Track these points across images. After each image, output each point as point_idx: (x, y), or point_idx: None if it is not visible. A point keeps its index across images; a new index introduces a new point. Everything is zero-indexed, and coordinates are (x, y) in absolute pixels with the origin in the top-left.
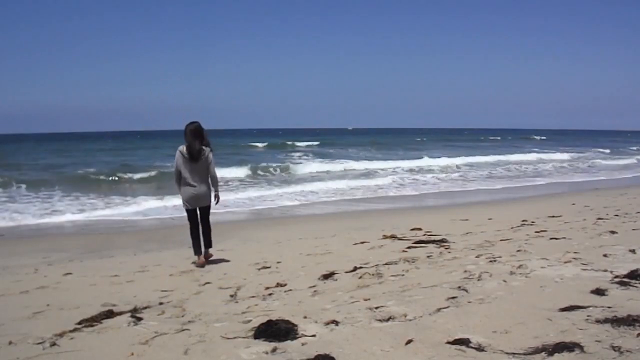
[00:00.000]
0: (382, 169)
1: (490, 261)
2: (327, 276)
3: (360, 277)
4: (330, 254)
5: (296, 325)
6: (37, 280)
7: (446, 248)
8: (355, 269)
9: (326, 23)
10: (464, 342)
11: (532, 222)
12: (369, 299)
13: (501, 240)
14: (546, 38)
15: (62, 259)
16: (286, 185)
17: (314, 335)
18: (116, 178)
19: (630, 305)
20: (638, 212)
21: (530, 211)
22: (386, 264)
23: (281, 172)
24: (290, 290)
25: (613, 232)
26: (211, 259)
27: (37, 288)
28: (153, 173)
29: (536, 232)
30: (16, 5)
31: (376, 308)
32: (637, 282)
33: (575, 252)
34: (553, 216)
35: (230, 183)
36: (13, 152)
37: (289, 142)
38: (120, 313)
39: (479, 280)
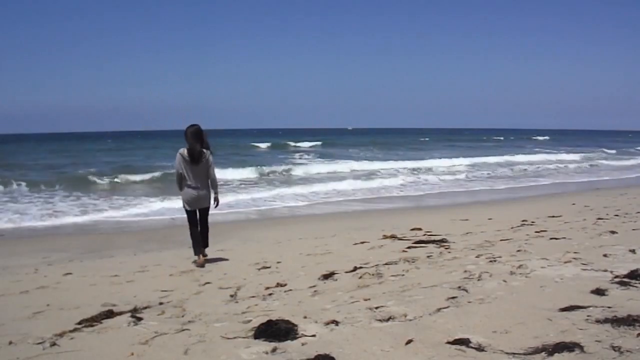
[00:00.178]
0: (389, 170)
1: (490, 261)
2: (327, 276)
3: (360, 277)
4: (330, 254)
5: (296, 325)
6: (37, 280)
7: (446, 248)
8: (355, 269)
9: (326, 23)
10: (464, 342)
11: (532, 222)
12: (369, 299)
13: (501, 240)
14: (545, 38)
15: (62, 259)
16: (293, 186)
17: (314, 335)
18: (117, 179)
19: (630, 305)
20: (638, 212)
21: (530, 211)
22: (386, 264)
23: (286, 173)
24: (290, 290)
25: (613, 232)
26: (209, 258)
27: (37, 288)
28: (154, 174)
29: (536, 232)
30: (16, 5)
31: (376, 308)
32: (637, 282)
33: (575, 252)
34: (553, 216)
35: (235, 184)
36: (13, 152)
37: (291, 143)
38: (120, 313)
39: (479, 280)
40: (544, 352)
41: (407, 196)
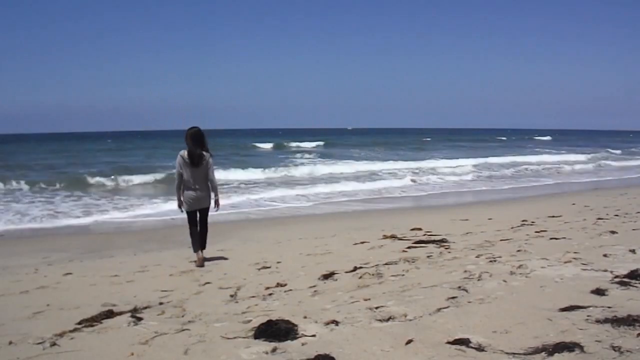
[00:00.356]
0: (393, 170)
1: (490, 261)
2: (327, 276)
3: (360, 277)
4: (330, 254)
5: (296, 325)
6: (37, 280)
7: (446, 248)
8: (355, 269)
9: (326, 23)
10: (464, 342)
11: (532, 222)
12: (369, 299)
13: (501, 240)
14: (545, 38)
15: (62, 259)
16: (295, 186)
17: (314, 335)
18: (118, 179)
19: (630, 305)
20: (638, 212)
21: (530, 211)
22: (386, 264)
23: (288, 173)
24: (290, 290)
25: (613, 232)
26: (209, 257)
27: (37, 288)
28: (156, 174)
29: (536, 232)
30: (16, 5)
31: (376, 308)
32: (637, 282)
33: (575, 252)
34: (553, 216)
35: (237, 184)
36: (14, 152)
37: (293, 143)
38: (120, 313)
39: (479, 280)
40: (544, 352)
41: (407, 196)
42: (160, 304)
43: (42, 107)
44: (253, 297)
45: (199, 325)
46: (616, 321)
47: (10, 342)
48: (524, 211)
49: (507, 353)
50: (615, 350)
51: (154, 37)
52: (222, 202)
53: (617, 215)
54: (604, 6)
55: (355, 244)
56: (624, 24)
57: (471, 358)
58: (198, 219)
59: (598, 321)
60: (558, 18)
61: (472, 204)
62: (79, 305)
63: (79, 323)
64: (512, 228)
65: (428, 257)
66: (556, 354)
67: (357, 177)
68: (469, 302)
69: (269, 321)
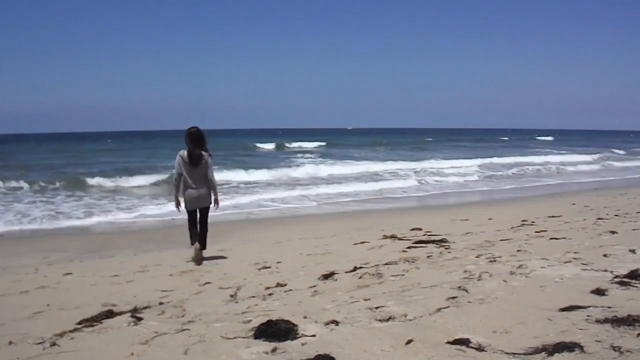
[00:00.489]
0: (397, 171)
1: (490, 261)
2: (327, 276)
3: (360, 277)
4: (330, 254)
5: (296, 325)
6: (37, 280)
7: (446, 248)
8: (355, 269)
9: (326, 23)
10: (464, 342)
11: (532, 222)
12: (369, 299)
13: (501, 240)
14: (545, 38)
15: (62, 259)
16: (298, 187)
17: (314, 335)
18: (119, 179)
19: (630, 305)
20: (638, 212)
21: (530, 211)
22: (386, 264)
23: (290, 174)
24: (290, 290)
25: (613, 232)
26: (209, 257)
27: (37, 288)
28: (155, 174)
29: (536, 232)
30: (16, 5)
31: (376, 308)
32: (637, 282)
33: (575, 252)
34: (553, 216)
35: (239, 185)
36: (14, 153)
37: (295, 144)
38: (120, 313)
39: (479, 280)
40: (544, 352)
41: (407, 196)
42: (160, 304)
43: (42, 107)
44: (253, 297)
45: (199, 325)
46: (616, 321)
47: (10, 342)
48: (524, 211)
49: (507, 353)
50: (615, 350)
51: (154, 37)
52: (223, 202)
53: (617, 215)
54: (603, 6)
55: (355, 244)
56: (623, 24)
57: (471, 358)
58: (198, 218)
59: (598, 321)
60: (557, 18)
61: (472, 204)
62: (79, 305)
63: (79, 323)
64: (512, 228)
65: (428, 257)
66: (556, 354)
67: (363, 178)
68: (469, 302)
69: (269, 321)
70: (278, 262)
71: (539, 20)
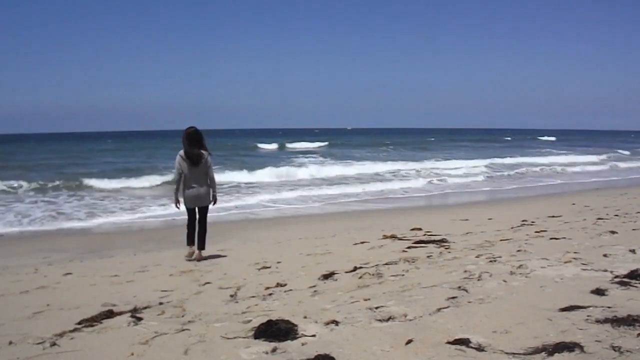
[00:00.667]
0: (404, 171)
1: (490, 261)
2: (327, 276)
3: (360, 277)
4: (330, 254)
5: (296, 325)
6: (37, 280)
7: (446, 248)
8: (355, 269)
9: (325, 24)
10: (464, 342)
11: (532, 222)
12: (369, 299)
13: (501, 240)
14: (544, 39)
15: (62, 259)
16: (302, 188)
17: (314, 335)
18: (119, 180)
19: (630, 305)
20: (638, 212)
21: (530, 211)
22: (386, 264)
23: (293, 174)
24: (290, 290)
25: (613, 232)
26: (210, 258)
27: (37, 288)
28: (157, 174)
29: (536, 232)
30: (16, 5)
31: (376, 308)
32: (637, 282)
33: (575, 252)
34: (553, 216)
35: (242, 186)
36: (14, 153)
37: (297, 144)
38: (120, 313)
39: (479, 280)
40: (544, 352)
41: (407, 196)
42: (160, 304)
43: (42, 107)
44: (253, 297)
45: (199, 325)
46: (616, 321)
47: (10, 342)
48: (524, 211)
49: (507, 353)
50: (615, 350)
51: (154, 37)
52: (225, 203)
53: (617, 215)
54: (602, 7)
55: (355, 244)
56: (623, 25)
57: (471, 358)
58: (197, 217)
59: (598, 321)
60: (556, 18)
61: (472, 204)
62: (79, 305)
63: (79, 323)
64: (512, 228)
65: (428, 257)
66: (556, 354)
67: (365, 179)
68: (469, 302)
69: (269, 321)
70: (278, 262)
71: (536, 21)
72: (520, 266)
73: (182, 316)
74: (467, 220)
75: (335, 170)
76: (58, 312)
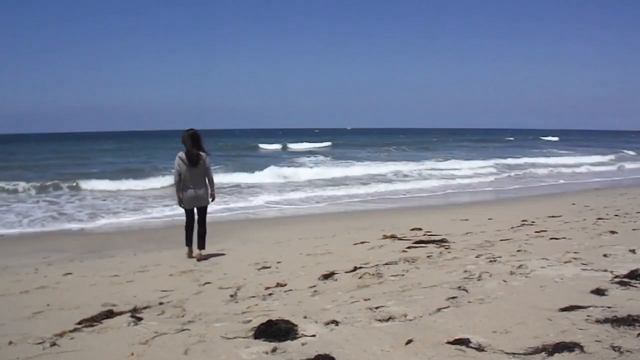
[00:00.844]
0: (410, 171)
1: (490, 261)
2: (327, 276)
3: (360, 277)
4: (330, 254)
5: (296, 325)
6: (37, 280)
7: (446, 248)
8: (355, 269)
9: (325, 24)
10: (464, 342)
11: (532, 222)
12: (369, 299)
13: (501, 240)
14: (544, 39)
15: (62, 259)
16: (304, 189)
17: (314, 335)
18: (120, 180)
19: (630, 305)
20: (638, 212)
21: (530, 211)
22: (386, 264)
23: (296, 175)
24: (290, 290)
25: (613, 232)
26: (211, 258)
27: (37, 288)
28: (157, 175)
29: (536, 232)
30: (16, 5)
31: (376, 308)
32: (637, 282)
33: (575, 252)
34: (553, 216)
35: (245, 186)
36: (15, 153)
37: (300, 144)
38: (120, 313)
39: (479, 280)
40: (544, 352)
41: (407, 197)
42: (160, 304)
43: (42, 107)
44: (253, 297)
45: (199, 325)
46: (616, 321)
47: (10, 342)
48: (524, 211)
49: (507, 353)
50: (615, 350)
51: (154, 37)
52: (226, 205)
53: (617, 215)
54: (604, 8)
55: (355, 244)
56: (623, 25)
57: (471, 358)
58: (196, 217)
59: (598, 321)
60: (554, 18)
61: (471, 204)
62: (79, 305)
63: (79, 323)
64: (512, 228)
65: (428, 257)
66: (556, 354)
67: (365, 179)
68: (469, 302)
69: (269, 321)
70: (278, 262)
71: (537, 21)
72: (520, 266)
73: (182, 316)
74: (467, 220)
75: (342, 171)
76: (58, 312)
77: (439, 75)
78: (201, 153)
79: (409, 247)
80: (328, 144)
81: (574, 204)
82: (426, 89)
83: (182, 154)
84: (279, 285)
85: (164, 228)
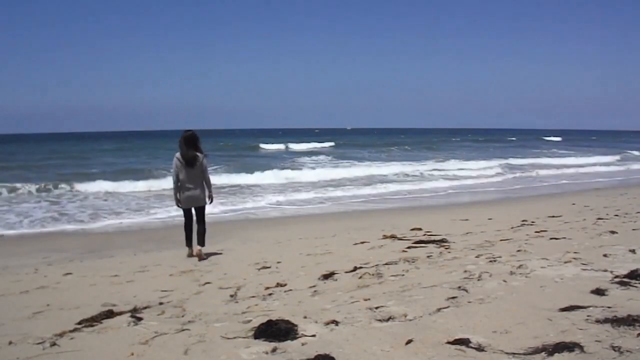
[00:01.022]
0: (430, 172)
1: (490, 261)
2: (327, 276)
3: (360, 277)
4: (330, 254)
5: (296, 325)
6: (37, 280)
7: (446, 248)
8: (355, 269)
9: (326, 23)
10: (464, 342)
11: (532, 222)
12: (369, 299)
13: (501, 240)
14: (543, 39)
15: (62, 259)
16: (308, 190)
17: (314, 335)
18: (120, 180)
19: (630, 305)
20: (638, 212)
21: (530, 211)
22: (386, 264)
23: (297, 176)
24: (290, 290)
25: (613, 232)
26: (211, 258)
27: (37, 288)
28: (158, 175)
29: (536, 232)
30: (16, 5)
31: (376, 308)
32: (637, 282)
33: (575, 252)
34: (553, 216)
35: (245, 187)
36: (15, 153)
37: (303, 144)
38: (120, 313)
39: (479, 280)
40: (544, 352)
41: (408, 197)
42: (160, 304)
43: (42, 107)
44: (253, 297)
45: (199, 325)
46: (616, 321)
47: (10, 342)
48: (524, 211)
49: (507, 353)
50: (615, 350)
51: (154, 37)
52: (227, 206)
53: (617, 215)
54: (603, 8)
55: (355, 244)
56: (622, 25)
57: (471, 358)
58: (195, 217)
59: (598, 321)
60: (554, 19)
61: (471, 204)
62: (79, 305)
63: (79, 323)
64: (512, 228)
65: (428, 257)
66: (556, 354)
67: (368, 180)
68: (469, 302)
69: (269, 321)
70: (278, 262)
71: (537, 21)
72: (520, 266)
73: (182, 316)
74: (467, 220)
75: (345, 172)
76: (58, 312)
77: (439, 75)
78: (198, 154)
79: (409, 247)
80: (331, 144)
81: (574, 204)
82: (426, 89)
83: (179, 155)
84: (279, 285)
85: (164, 228)
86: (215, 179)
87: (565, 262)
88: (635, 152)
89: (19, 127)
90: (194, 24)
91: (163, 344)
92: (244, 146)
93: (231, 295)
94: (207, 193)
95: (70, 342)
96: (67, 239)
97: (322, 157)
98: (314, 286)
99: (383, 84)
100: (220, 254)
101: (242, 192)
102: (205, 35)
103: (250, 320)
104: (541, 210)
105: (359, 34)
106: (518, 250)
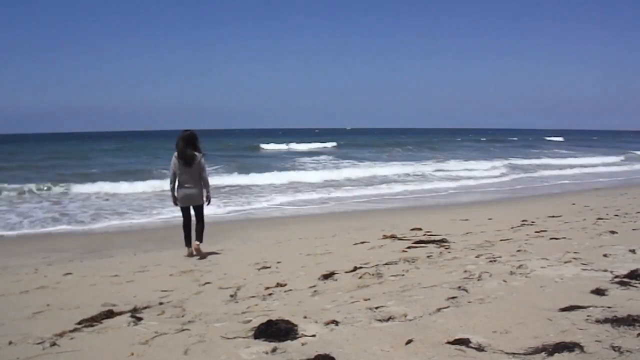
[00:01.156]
0: (435, 173)
1: (490, 261)
2: (327, 276)
3: (360, 277)
4: (330, 254)
5: (296, 325)
6: (37, 280)
7: (446, 248)
8: (355, 269)
9: (326, 23)
10: (464, 342)
11: (532, 222)
12: (369, 299)
13: (501, 240)
14: (543, 39)
15: (62, 259)
16: (308, 190)
17: (314, 335)
18: (121, 181)
19: (630, 305)
20: (638, 212)
21: (530, 211)
22: (386, 264)
23: (299, 176)
24: (290, 290)
25: (613, 232)
26: (211, 258)
27: (37, 288)
28: (157, 175)
29: (536, 232)
30: (16, 5)
31: (376, 308)
32: (637, 282)
33: (575, 252)
34: (553, 216)
35: (247, 187)
36: (15, 153)
37: (305, 143)
38: (120, 313)
39: (479, 280)
40: (544, 352)
41: (407, 197)
42: (160, 304)
43: (42, 107)
44: (253, 297)
45: (199, 325)
46: (616, 321)
47: (10, 342)
48: (524, 211)
49: (507, 353)
50: (615, 350)
51: (154, 37)
52: (228, 207)
53: (617, 215)
54: (604, 8)
55: (355, 244)
56: (621, 25)
57: (471, 358)
58: (193, 215)
59: (598, 321)
60: (554, 19)
61: (471, 204)
62: (79, 305)
63: (79, 323)
64: (512, 228)
65: (428, 257)
66: (556, 354)
67: (370, 182)
68: (469, 302)
69: (269, 321)
70: (278, 262)
71: (537, 21)
72: (520, 266)
73: (182, 316)
74: (467, 220)
75: (347, 173)
76: (58, 312)
77: (440, 75)
78: (196, 153)
79: (409, 247)
80: (334, 144)
81: (574, 204)
82: (427, 89)
83: (177, 153)
84: (279, 285)
85: (164, 228)
86: (216, 179)
87: (565, 262)
88: (639, 152)
89: (19, 127)
90: (194, 24)
91: (163, 344)
92: (245, 146)
93: (231, 295)
94: (204, 193)
95: (70, 342)
96: (67, 239)
97: (323, 157)
98: (314, 286)
99: (383, 84)
100: (220, 253)
101: (242, 192)
102: (205, 36)
103: (250, 320)
104: (541, 210)
105: (359, 34)
106: (518, 250)
